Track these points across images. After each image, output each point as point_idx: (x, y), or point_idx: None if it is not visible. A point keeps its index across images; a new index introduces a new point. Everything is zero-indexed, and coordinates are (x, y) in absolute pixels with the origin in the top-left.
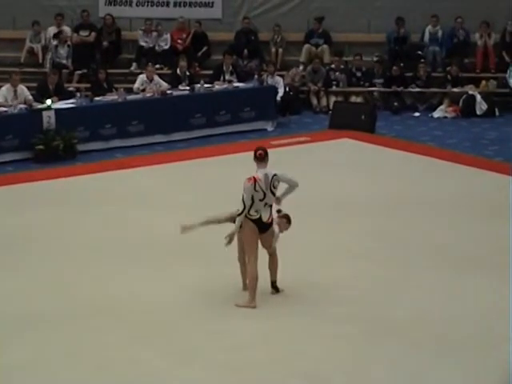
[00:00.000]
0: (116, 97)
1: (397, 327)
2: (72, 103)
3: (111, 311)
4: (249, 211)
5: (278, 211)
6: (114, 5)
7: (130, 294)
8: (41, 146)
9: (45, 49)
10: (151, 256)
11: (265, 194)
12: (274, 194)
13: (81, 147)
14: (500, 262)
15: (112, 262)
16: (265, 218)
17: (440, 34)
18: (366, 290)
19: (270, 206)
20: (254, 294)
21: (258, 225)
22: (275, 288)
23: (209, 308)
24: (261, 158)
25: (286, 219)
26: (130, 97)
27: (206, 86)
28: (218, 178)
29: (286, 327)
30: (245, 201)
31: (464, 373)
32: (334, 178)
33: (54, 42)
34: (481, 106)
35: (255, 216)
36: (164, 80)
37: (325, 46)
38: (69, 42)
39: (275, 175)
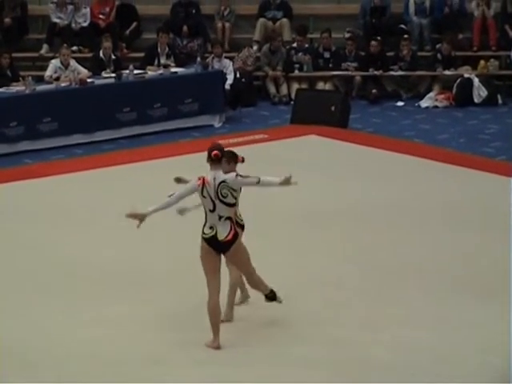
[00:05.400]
0: (23, 87)
1: (377, 371)
2: None
3: (18, 358)
4: (203, 228)
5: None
6: None
7: (40, 337)
8: None
9: None
10: (69, 287)
11: (214, 204)
12: (226, 204)
13: None
14: (499, 284)
15: (20, 294)
16: (221, 236)
17: (428, 2)
18: (340, 325)
19: (229, 219)
20: (217, 332)
21: (212, 245)
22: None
23: (135, 357)
24: (216, 159)
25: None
26: (41, 87)
27: (136, 72)
28: (154, 187)
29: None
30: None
31: None
32: (299, 185)
33: None
34: (479, 92)
35: (210, 233)
36: (83, 66)
37: (284, 21)
38: None
39: (223, 182)
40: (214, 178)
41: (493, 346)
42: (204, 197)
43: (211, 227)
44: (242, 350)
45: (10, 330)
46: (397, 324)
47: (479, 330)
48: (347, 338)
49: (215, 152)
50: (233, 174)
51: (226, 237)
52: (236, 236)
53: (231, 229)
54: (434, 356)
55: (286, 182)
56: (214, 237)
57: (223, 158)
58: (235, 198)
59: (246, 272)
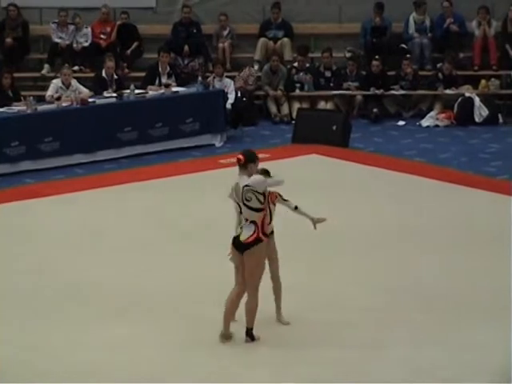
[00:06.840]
0: (24, 107)
1: None
2: None
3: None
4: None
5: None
6: None
7: (40, 359)
8: None
9: None
10: (69, 308)
11: (240, 207)
12: (249, 207)
13: None
14: (506, 303)
15: (19, 316)
16: (243, 237)
17: (428, 22)
18: (345, 346)
19: (253, 222)
20: (225, 324)
21: (234, 244)
22: (250, 336)
23: (136, 377)
24: (239, 163)
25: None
26: (42, 107)
27: (137, 91)
28: (155, 206)
29: None
30: None
31: None
32: (300, 205)
33: None
34: (480, 111)
35: (238, 233)
36: (85, 85)
37: (285, 40)
38: None
39: (246, 186)
40: (237, 183)
41: (498, 366)
42: (235, 201)
43: (241, 227)
44: (242, 369)
45: (9, 352)
46: (403, 344)
47: (487, 350)
48: (352, 358)
49: (238, 157)
50: (258, 178)
51: (248, 238)
52: (257, 241)
53: (254, 232)
54: (440, 377)
55: (318, 221)
56: (237, 237)
57: (247, 163)
58: (261, 203)
59: (250, 285)
